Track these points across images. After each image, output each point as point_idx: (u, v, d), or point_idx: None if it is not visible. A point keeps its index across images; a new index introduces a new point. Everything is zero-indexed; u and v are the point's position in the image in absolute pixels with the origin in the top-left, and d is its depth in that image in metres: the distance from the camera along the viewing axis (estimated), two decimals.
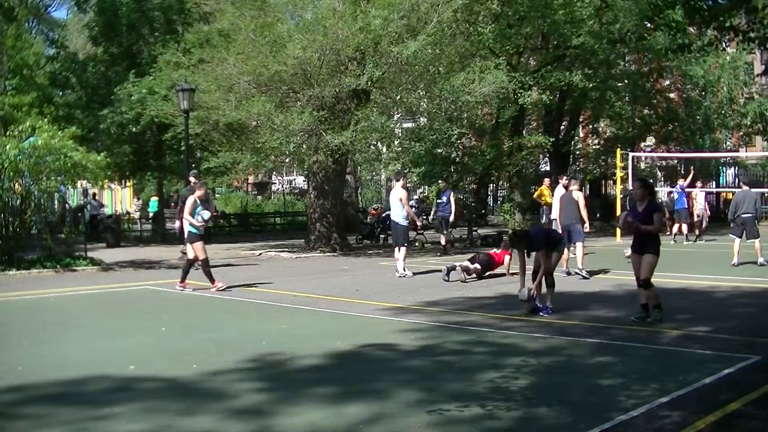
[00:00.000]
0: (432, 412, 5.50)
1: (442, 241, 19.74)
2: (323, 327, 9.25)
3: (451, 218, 19.97)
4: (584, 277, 13.66)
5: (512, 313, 10.03)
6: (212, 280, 12.60)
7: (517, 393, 6.04)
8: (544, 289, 10.05)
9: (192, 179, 16.24)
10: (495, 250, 15.04)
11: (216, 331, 8.94)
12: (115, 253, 19.69)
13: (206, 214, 12.60)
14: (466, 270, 13.68)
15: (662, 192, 28.80)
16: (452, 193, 20.62)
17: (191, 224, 12.56)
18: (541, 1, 23.92)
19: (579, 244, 14.09)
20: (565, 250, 12.79)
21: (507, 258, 14.35)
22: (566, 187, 15.02)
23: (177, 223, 15.09)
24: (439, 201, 20.26)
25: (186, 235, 12.92)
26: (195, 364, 7.07)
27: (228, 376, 6.68)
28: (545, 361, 7.22)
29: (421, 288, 12.75)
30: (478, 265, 13.87)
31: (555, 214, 15.55)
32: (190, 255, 12.72)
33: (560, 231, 13.72)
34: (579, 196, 14.43)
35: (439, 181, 20.80)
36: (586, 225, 14.43)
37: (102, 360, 7.37)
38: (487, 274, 13.96)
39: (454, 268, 13.72)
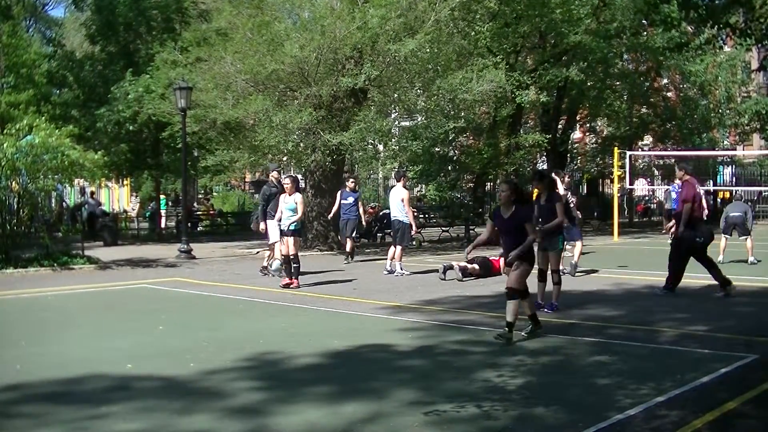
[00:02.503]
0: (429, 412, 5.49)
1: (347, 247, 17.47)
2: (321, 326, 9.24)
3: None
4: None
5: None
6: (290, 276, 12.61)
7: (514, 392, 6.04)
8: (549, 287, 10.05)
9: (273, 174, 15.49)
10: (493, 256, 14.88)
11: (214, 330, 8.92)
12: (113, 251, 19.66)
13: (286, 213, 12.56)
14: (464, 270, 13.66)
15: (660, 191, 28.78)
16: (360, 196, 18.10)
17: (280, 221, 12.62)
18: (539, 0, 23.93)
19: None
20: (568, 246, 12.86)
21: (502, 261, 14.29)
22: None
23: (262, 225, 14.39)
24: (344, 202, 17.24)
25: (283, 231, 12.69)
26: (192, 363, 7.06)
27: (226, 375, 6.68)
28: (543, 360, 7.22)
29: (419, 286, 12.74)
30: (476, 266, 13.86)
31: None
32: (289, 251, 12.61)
33: None
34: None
35: (348, 180, 18.10)
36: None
37: (100, 359, 7.36)
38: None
39: (451, 266, 13.70)
